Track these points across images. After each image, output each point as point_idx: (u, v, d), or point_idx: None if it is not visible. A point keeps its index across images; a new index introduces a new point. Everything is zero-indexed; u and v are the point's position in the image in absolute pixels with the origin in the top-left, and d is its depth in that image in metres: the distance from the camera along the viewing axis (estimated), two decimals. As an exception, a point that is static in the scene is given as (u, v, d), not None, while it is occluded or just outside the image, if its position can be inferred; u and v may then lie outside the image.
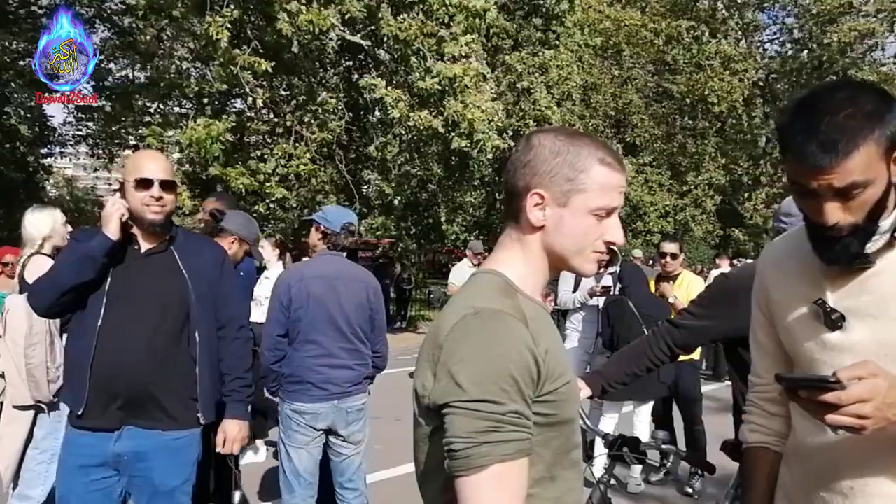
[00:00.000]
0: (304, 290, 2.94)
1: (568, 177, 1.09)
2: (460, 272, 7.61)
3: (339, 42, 10.65)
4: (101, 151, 17.22)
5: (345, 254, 3.10)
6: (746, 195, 21.45)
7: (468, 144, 10.37)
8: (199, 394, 2.21)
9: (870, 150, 1.08)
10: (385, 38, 10.46)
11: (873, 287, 1.18)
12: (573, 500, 1.13)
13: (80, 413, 2.10)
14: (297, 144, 11.64)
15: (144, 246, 2.22)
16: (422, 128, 10.41)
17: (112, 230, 2.09)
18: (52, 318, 2.40)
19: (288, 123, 11.80)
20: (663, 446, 2.29)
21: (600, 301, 4.90)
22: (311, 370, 2.93)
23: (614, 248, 5.63)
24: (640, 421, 4.66)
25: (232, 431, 2.38)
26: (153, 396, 2.14)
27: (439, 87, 10.02)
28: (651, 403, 4.69)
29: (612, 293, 4.81)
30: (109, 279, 2.14)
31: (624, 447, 2.17)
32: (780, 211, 2.18)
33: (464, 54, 10.29)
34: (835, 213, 1.12)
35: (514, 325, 1.01)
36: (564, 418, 1.07)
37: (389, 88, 10.60)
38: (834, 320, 1.21)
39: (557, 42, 13.35)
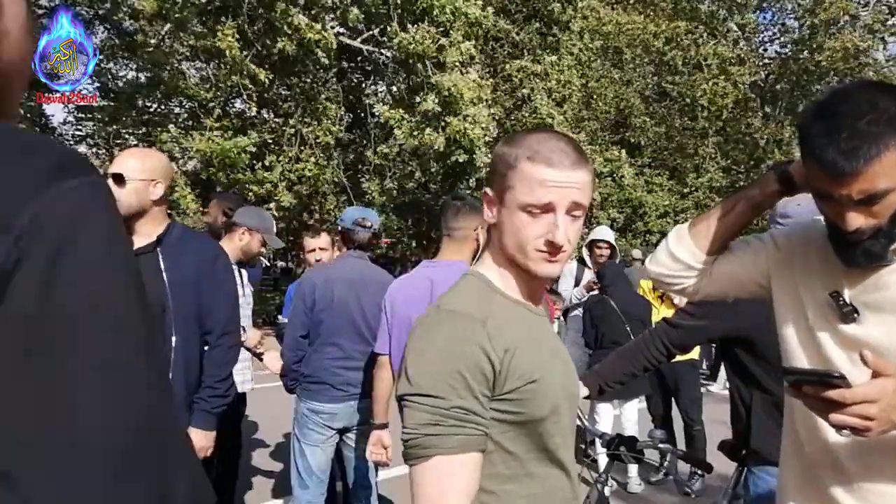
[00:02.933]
0: (329, 293, 2.98)
1: (502, 174, 1.10)
2: None
3: (336, 44, 10.66)
4: (101, 151, 17.22)
5: (367, 255, 3.15)
6: None
7: (467, 159, 10.53)
8: None
9: (892, 157, 1.05)
10: (396, 50, 10.50)
11: (889, 283, 1.17)
12: (560, 498, 1.13)
13: None
14: (301, 148, 11.72)
15: (134, 245, 2.19)
16: (425, 146, 10.52)
17: None
18: None
19: (292, 129, 11.85)
20: (661, 445, 2.30)
21: None
22: (330, 372, 2.99)
23: (612, 243, 5.64)
24: (627, 419, 4.66)
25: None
26: None
27: (439, 108, 10.12)
28: (635, 401, 4.69)
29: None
30: None
31: (621, 446, 2.17)
32: (775, 212, 2.14)
33: (462, 62, 10.33)
34: (856, 220, 1.10)
35: (467, 324, 1.03)
36: (533, 417, 1.07)
37: (392, 110, 10.68)
38: (845, 313, 1.20)
39: (558, 46, 13.29)
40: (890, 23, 18.70)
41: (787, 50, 21.04)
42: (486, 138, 10.75)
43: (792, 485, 1.36)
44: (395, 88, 11.55)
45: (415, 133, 10.47)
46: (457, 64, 10.26)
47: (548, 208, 1.06)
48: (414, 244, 18.11)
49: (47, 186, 0.55)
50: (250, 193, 10.94)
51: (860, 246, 1.13)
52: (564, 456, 1.14)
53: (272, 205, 11.84)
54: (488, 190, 1.13)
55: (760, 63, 21.58)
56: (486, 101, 11.09)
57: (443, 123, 10.33)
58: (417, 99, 10.48)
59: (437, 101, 10.10)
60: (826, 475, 1.25)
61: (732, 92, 18.99)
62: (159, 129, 11.80)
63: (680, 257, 1.41)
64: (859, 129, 1.05)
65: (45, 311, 0.54)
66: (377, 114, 11.00)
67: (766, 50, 22.33)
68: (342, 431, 3.08)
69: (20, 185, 0.55)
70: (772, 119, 20.83)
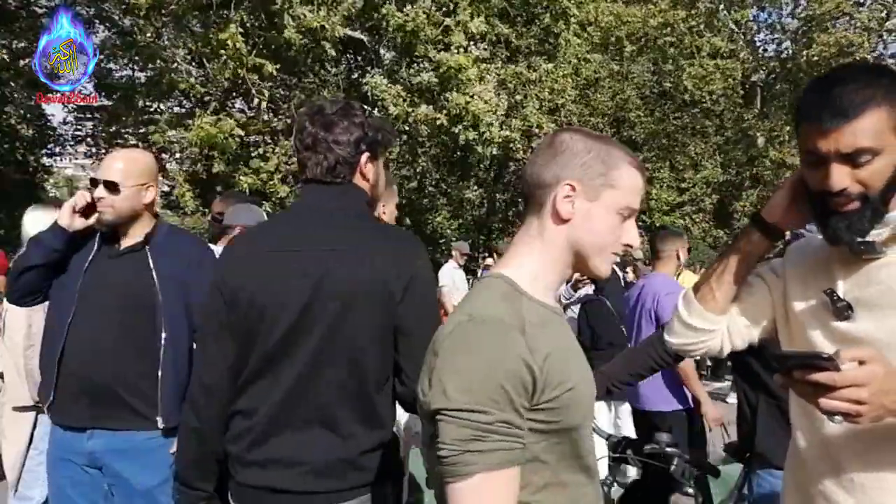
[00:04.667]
0: None
1: (601, 171, 1.10)
2: (447, 273, 7.63)
3: (340, 38, 10.61)
4: (101, 151, 17.18)
5: None
6: (738, 193, 21.40)
7: (475, 137, 10.37)
8: (159, 397, 2.13)
9: (880, 117, 1.09)
10: (391, 31, 10.42)
11: (882, 278, 1.18)
12: (588, 503, 1.12)
13: (48, 408, 2.16)
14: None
15: (123, 245, 2.22)
16: (424, 122, 10.40)
17: (62, 218, 2.14)
18: (20, 305, 2.37)
19: (289, 121, 11.81)
20: (667, 449, 2.28)
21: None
22: None
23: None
24: (622, 420, 4.62)
25: None
26: (117, 395, 2.09)
27: (437, 81, 10.00)
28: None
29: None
30: (83, 277, 2.14)
31: (628, 449, 2.16)
32: None
33: (469, 41, 10.26)
34: (842, 179, 1.12)
35: (507, 333, 1.00)
36: (568, 425, 1.05)
37: (389, 85, 10.59)
38: (840, 309, 1.21)
39: (555, 54, 13.20)
40: (889, 23, 18.72)
41: (783, 47, 21.03)
42: (496, 114, 10.59)
43: (792, 485, 1.37)
44: (394, 69, 11.40)
45: (409, 110, 10.34)
46: (461, 45, 10.16)
47: (633, 214, 1.14)
48: None
49: (419, 256, 1.60)
50: (244, 185, 10.86)
51: (846, 218, 1.14)
52: (592, 461, 1.13)
53: (265, 198, 11.83)
54: (573, 182, 1.10)
55: (761, 62, 21.56)
56: (491, 76, 10.94)
57: (443, 101, 10.21)
58: (413, 71, 10.40)
59: (433, 75, 10.00)
60: (825, 471, 1.25)
61: (719, 79, 18.93)
62: (151, 126, 11.75)
63: (696, 326, 1.41)
64: (850, 91, 1.11)
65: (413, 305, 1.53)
66: (367, 86, 10.80)
67: (765, 50, 22.33)
68: None
69: (409, 255, 1.56)
70: (769, 117, 20.84)
